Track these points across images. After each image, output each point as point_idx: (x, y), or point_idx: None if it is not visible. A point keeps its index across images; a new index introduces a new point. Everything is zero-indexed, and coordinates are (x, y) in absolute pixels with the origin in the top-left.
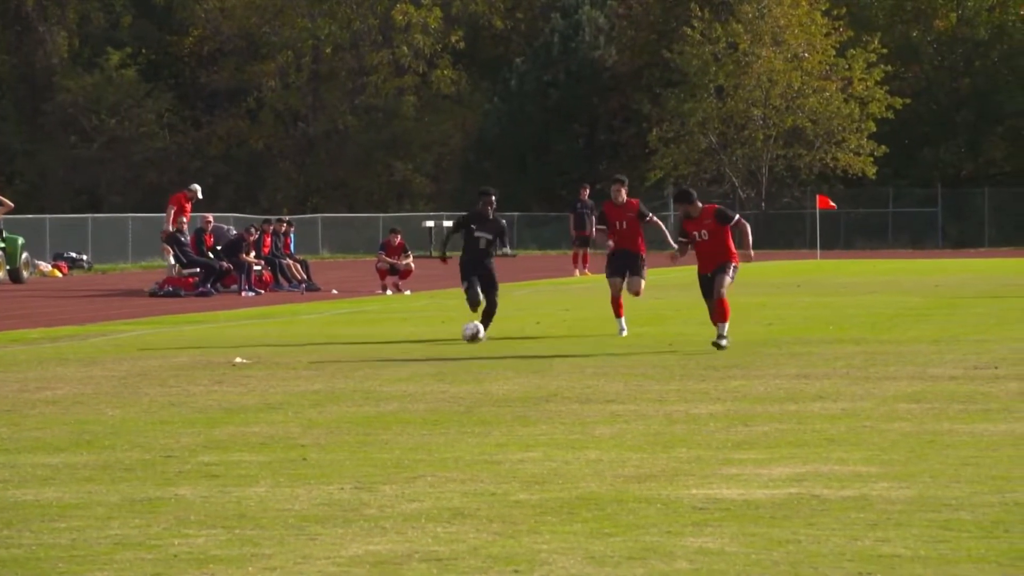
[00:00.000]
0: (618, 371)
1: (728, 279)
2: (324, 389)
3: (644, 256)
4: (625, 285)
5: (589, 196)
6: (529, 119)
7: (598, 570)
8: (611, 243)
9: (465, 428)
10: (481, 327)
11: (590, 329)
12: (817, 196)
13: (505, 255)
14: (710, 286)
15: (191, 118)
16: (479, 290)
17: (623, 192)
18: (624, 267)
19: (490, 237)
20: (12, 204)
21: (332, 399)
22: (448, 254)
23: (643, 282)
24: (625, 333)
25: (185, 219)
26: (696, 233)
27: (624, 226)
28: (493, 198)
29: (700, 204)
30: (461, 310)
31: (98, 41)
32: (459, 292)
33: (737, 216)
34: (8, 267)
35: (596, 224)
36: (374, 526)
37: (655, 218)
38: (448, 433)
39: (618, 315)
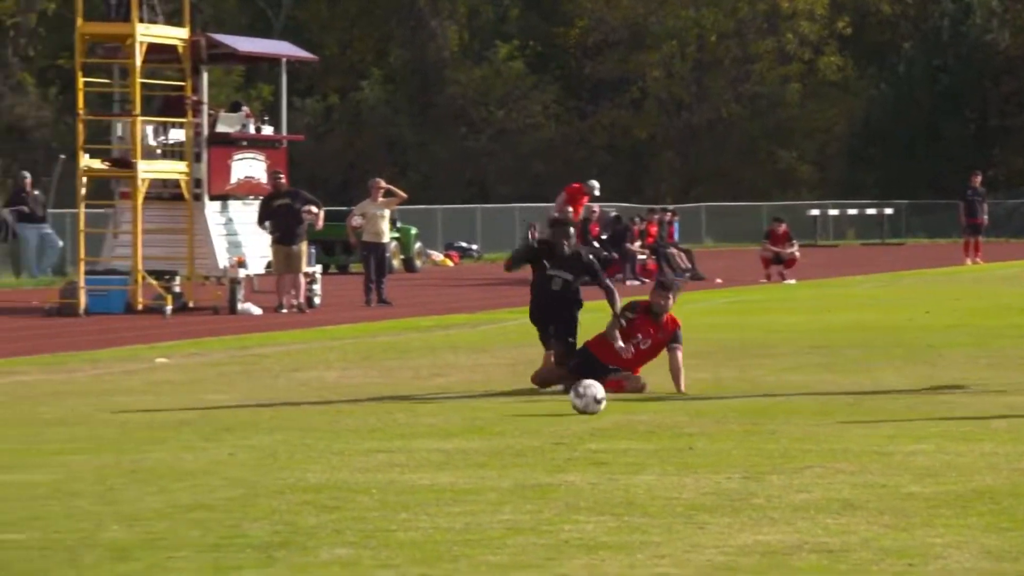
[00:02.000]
0: (1013, 362)
1: None
2: (709, 379)
3: None
4: None
5: (981, 183)
6: (917, 105)
7: (995, 565)
8: None
9: (853, 418)
10: (598, 389)
11: (981, 319)
12: None
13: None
14: None
15: (576, 109)
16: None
17: None
18: None
19: (568, 278)
20: (405, 195)
21: (717, 388)
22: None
23: None
24: None
25: (572, 211)
26: None
27: None
28: (571, 229)
29: None
30: (847, 299)
31: (487, 34)
32: (849, 281)
33: None
34: (402, 256)
35: None
36: (762, 516)
37: None
38: (836, 423)
39: None
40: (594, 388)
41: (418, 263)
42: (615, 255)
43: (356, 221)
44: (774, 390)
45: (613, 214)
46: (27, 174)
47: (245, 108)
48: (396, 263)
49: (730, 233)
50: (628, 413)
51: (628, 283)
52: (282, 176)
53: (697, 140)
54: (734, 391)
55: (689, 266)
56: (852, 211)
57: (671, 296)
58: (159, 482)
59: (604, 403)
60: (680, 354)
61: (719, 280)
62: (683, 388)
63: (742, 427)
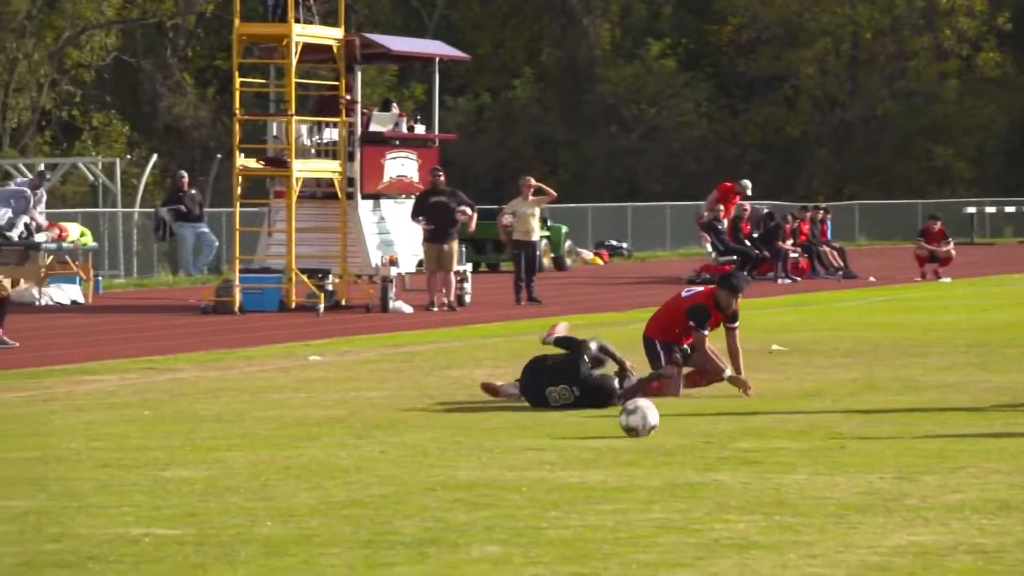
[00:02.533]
0: None
1: None
2: (862, 377)
3: None
4: None
5: None
6: None
7: None
8: None
9: (1011, 419)
10: (650, 410)
11: None
12: None
13: None
14: None
15: (728, 106)
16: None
17: None
18: None
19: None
20: (555, 194)
21: (870, 388)
22: None
23: None
24: None
25: (723, 209)
26: None
27: None
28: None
29: None
30: (1004, 297)
31: (638, 32)
32: (1006, 279)
33: None
34: (552, 255)
35: None
36: (916, 516)
37: None
38: (991, 424)
39: None
40: (650, 411)
41: (568, 261)
42: (766, 253)
43: (507, 220)
44: (929, 389)
45: (765, 211)
46: (184, 173)
47: (395, 105)
48: (546, 261)
49: (884, 231)
50: (780, 413)
51: (780, 282)
52: (441, 173)
53: (851, 137)
54: (888, 390)
55: (842, 264)
56: (1010, 208)
57: (739, 299)
58: (312, 479)
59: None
60: (738, 334)
61: (873, 279)
62: (742, 370)
63: (895, 427)
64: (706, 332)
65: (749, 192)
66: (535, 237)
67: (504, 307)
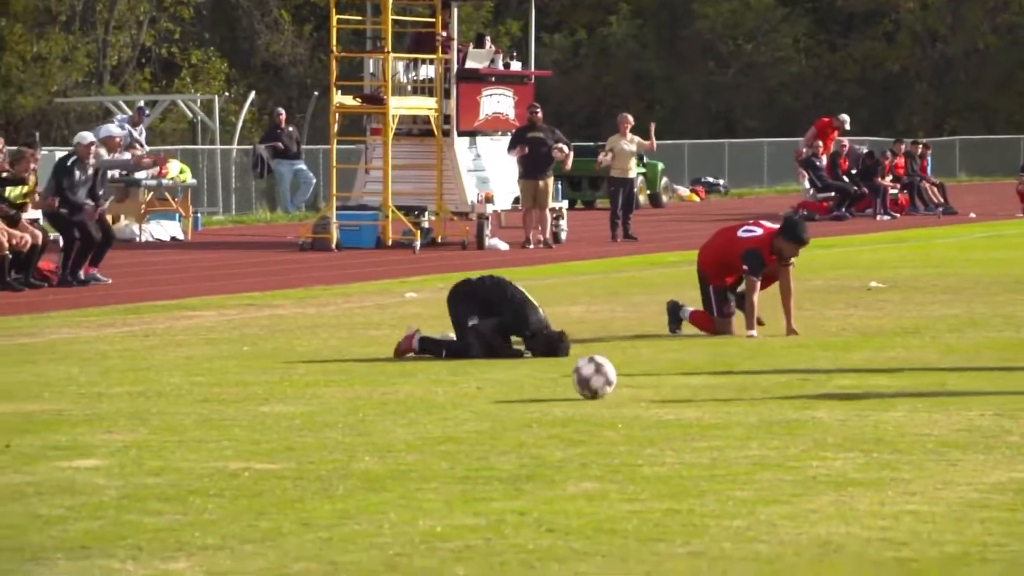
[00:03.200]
0: None
1: None
2: (962, 314)
3: None
4: None
5: None
6: None
7: None
8: None
9: None
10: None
11: None
12: None
13: None
14: None
15: (827, 42)
16: None
17: None
18: None
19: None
20: (654, 147)
21: (970, 324)
22: None
23: None
24: None
25: (821, 145)
26: None
27: None
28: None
29: None
30: None
31: None
32: None
33: None
34: (648, 192)
35: None
36: (1017, 453)
37: None
38: None
39: None
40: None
41: (664, 198)
42: (865, 190)
43: (604, 159)
44: None
45: (865, 150)
46: (282, 111)
47: (489, 42)
48: (642, 198)
49: (985, 167)
50: (878, 350)
51: (879, 218)
52: (538, 110)
53: (952, 72)
54: (988, 326)
55: (942, 200)
56: None
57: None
58: (409, 415)
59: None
60: (792, 272)
61: (973, 215)
62: (792, 310)
63: (996, 363)
64: (758, 279)
65: (847, 127)
66: (632, 175)
67: (600, 244)
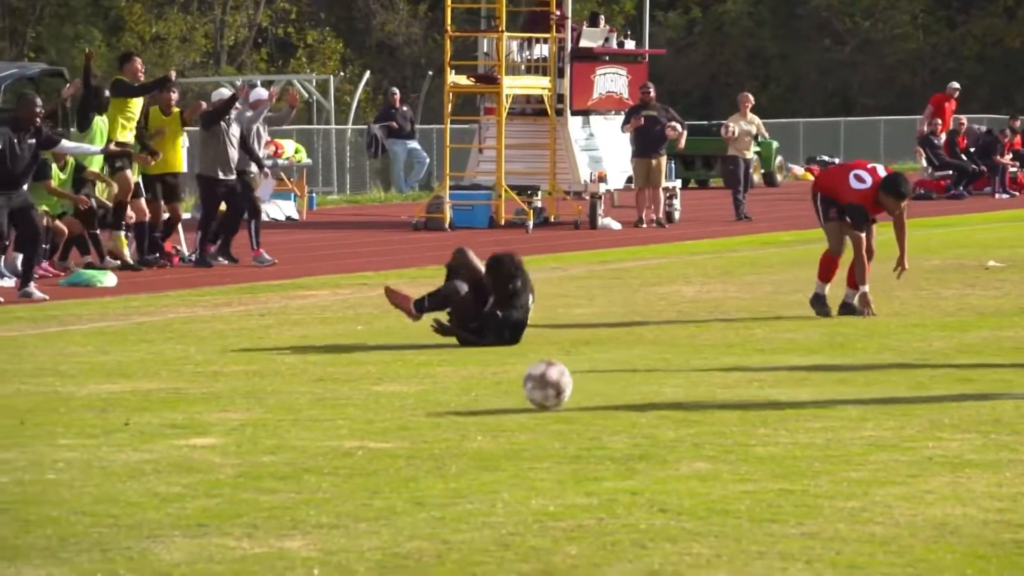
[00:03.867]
0: None
1: None
2: None
3: None
4: None
5: None
6: None
7: None
8: None
9: None
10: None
11: None
12: None
13: None
14: None
15: (945, 18)
16: None
17: None
18: None
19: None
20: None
21: None
22: None
23: None
24: None
25: (940, 122)
26: None
27: None
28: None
29: None
30: None
31: None
32: None
33: None
34: (763, 170)
35: None
36: None
37: None
38: None
39: None
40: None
41: (779, 177)
42: (983, 168)
43: (730, 131)
44: None
45: (984, 129)
46: (396, 90)
47: (603, 20)
48: (757, 177)
49: None
50: (995, 330)
51: (997, 196)
52: (652, 89)
53: None
54: None
55: None
56: None
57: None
58: (521, 393)
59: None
60: (906, 212)
61: None
62: (906, 249)
63: None
64: (862, 233)
65: (957, 94)
66: (750, 155)
67: (713, 223)
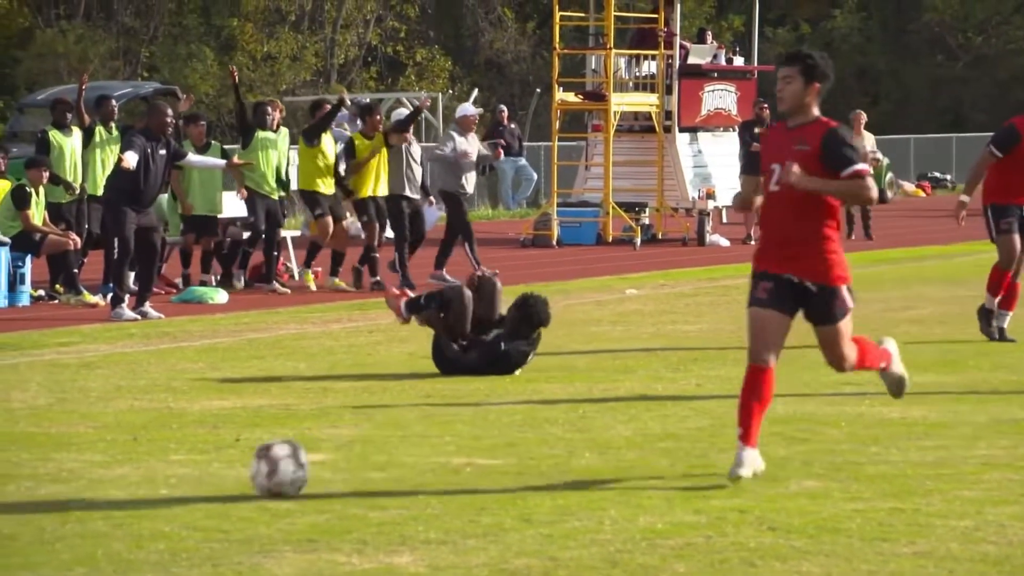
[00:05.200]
0: None
1: None
2: None
3: None
4: None
5: None
6: None
7: None
8: None
9: None
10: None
11: None
12: None
13: None
14: None
15: None
16: None
17: None
18: None
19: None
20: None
21: None
22: None
23: None
24: None
25: None
26: None
27: None
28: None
29: None
30: None
31: None
32: None
33: None
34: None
35: None
36: None
37: None
38: None
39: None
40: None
41: (889, 194)
42: None
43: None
44: None
45: None
46: (504, 108)
47: (711, 36)
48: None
49: None
50: None
51: None
52: (766, 105)
53: None
54: None
55: None
56: None
57: None
58: (629, 411)
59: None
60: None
61: None
62: None
63: None
64: (998, 153)
65: None
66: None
67: None
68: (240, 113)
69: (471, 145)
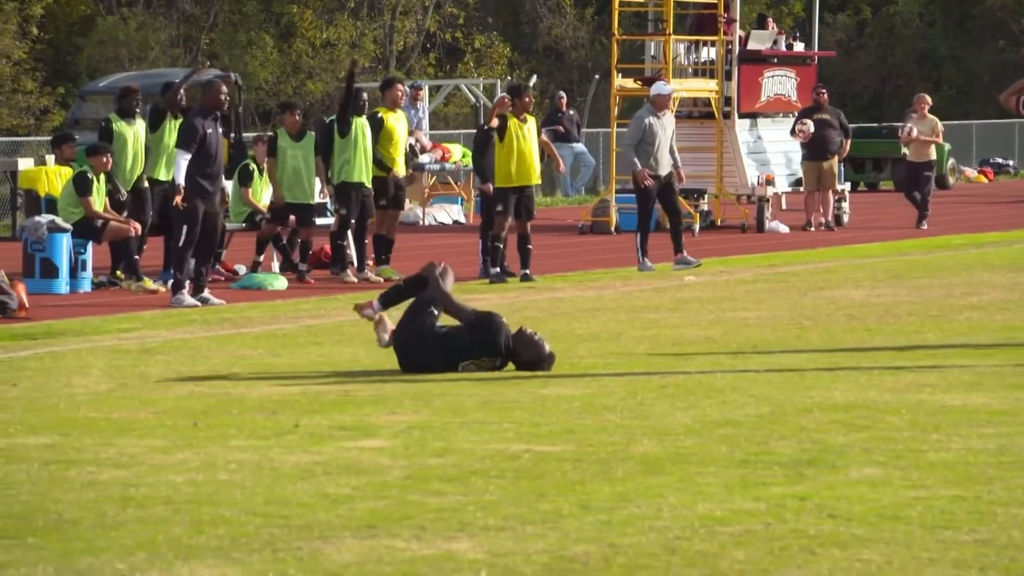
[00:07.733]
0: None
1: None
2: None
3: None
4: None
5: None
6: None
7: None
8: None
9: None
10: None
11: None
12: None
13: None
14: None
15: None
16: None
17: None
18: None
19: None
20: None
21: None
22: None
23: None
24: None
25: None
26: None
27: None
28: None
29: None
30: None
31: None
32: None
33: None
34: (936, 173)
35: None
36: None
37: None
38: None
39: None
40: None
41: (951, 180)
42: None
43: (911, 132)
44: None
45: None
46: (563, 94)
47: (771, 22)
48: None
49: None
50: None
51: None
52: (824, 92)
53: None
54: None
55: None
56: None
57: None
58: (688, 398)
59: None
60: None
61: None
62: None
63: None
64: None
65: None
66: (931, 157)
67: (883, 227)
68: (345, 103)
69: (665, 125)
